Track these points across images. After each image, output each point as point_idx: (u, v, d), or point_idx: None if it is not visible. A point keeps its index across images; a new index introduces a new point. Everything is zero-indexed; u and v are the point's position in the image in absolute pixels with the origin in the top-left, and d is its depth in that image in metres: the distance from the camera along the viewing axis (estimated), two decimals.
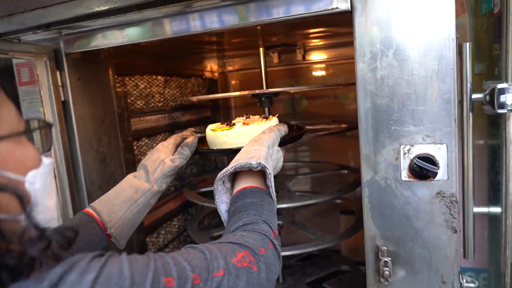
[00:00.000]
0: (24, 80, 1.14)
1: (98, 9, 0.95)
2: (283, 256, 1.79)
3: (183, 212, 1.93)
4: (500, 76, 0.95)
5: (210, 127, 1.17)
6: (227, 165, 0.82)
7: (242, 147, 0.92)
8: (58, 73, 1.10)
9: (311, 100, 2.21)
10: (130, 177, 0.99)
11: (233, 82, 2.35)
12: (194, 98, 1.70)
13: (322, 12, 0.85)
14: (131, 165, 1.41)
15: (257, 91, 1.38)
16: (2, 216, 0.44)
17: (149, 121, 1.65)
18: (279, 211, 1.69)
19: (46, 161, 0.54)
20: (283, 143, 1.00)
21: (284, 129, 1.03)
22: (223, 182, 0.84)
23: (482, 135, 1.70)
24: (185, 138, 1.09)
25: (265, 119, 1.15)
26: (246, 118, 1.21)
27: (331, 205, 2.24)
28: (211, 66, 2.23)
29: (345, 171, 1.86)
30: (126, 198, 0.94)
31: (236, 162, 0.81)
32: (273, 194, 0.81)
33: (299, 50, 2.04)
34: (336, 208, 2.19)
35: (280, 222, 1.62)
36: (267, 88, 1.71)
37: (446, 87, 0.81)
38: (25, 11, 1.04)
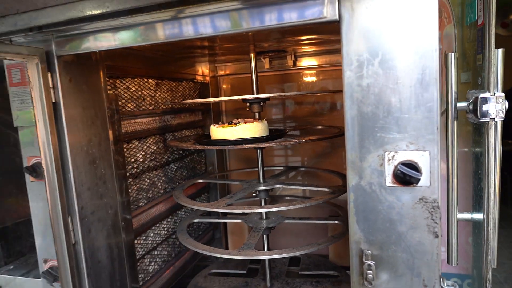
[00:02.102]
0: (15, 81, 1.14)
1: (90, 13, 0.96)
2: (272, 260, 1.81)
3: (172, 215, 1.94)
4: (483, 86, 0.98)
5: (214, 126, 1.51)
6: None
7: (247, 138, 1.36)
8: (49, 74, 1.10)
9: (301, 105, 2.24)
10: None
11: (224, 86, 2.37)
12: (186, 102, 1.71)
13: (311, 21, 0.88)
14: (121, 167, 1.42)
15: (247, 96, 1.40)
16: None
17: (139, 124, 1.65)
18: (268, 215, 1.71)
19: None
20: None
21: None
22: None
23: (467, 143, 1.75)
24: None
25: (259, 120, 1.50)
26: (244, 120, 1.53)
27: (320, 210, 2.27)
28: (203, 70, 2.25)
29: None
30: None
31: None
32: None
33: (289, 56, 2.07)
34: (325, 213, 2.22)
35: (271, 225, 1.64)
36: (257, 93, 1.73)
37: (429, 96, 0.84)
38: (17, 13, 1.05)
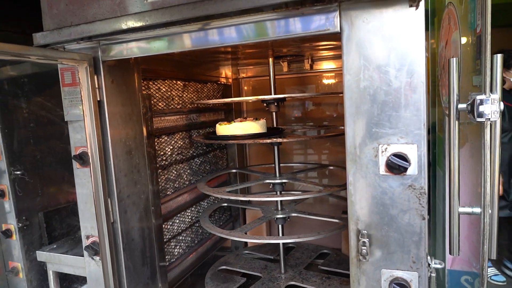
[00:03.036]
0: (67, 82, 1.34)
1: (132, 25, 1.15)
2: (297, 251, 1.97)
3: (196, 205, 2.12)
4: (481, 89, 1.09)
5: (220, 123, 1.73)
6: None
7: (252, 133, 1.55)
8: (95, 77, 1.30)
9: (319, 106, 2.38)
10: None
11: (245, 87, 2.55)
12: (208, 102, 1.89)
13: (316, 33, 1.03)
14: (152, 159, 1.61)
15: (261, 97, 1.57)
16: None
17: (168, 121, 1.85)
18: (282, 206, 1.86)
19: None
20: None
21: None
22: None
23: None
24: None
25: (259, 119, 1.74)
26: (253, 118, 1.75)
27: (334, 206, 2.41)
28: (226, 72, 2.43)
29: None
30: None
31: None
32: None
33: (306, 60, 2.22)
34: (339, 208, 2.35)
35: (287, 215, 1.80)
36: (275, 94, 1.89)
37: (417, 97, 0.97)
38: (72, 25, 1.25)
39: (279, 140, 1.54)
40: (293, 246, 2.32)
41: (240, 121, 1.70)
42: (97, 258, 1.44)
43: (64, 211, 2.16)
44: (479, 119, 1.07)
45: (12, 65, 1.92)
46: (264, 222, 1.76)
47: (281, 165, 1.89)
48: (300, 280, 1.88)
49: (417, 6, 0.93)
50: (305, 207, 2.18)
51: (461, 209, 1.15)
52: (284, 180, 1.78)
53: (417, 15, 0.94)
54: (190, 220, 2.06)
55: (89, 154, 1.31)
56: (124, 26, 1.16)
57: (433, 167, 2.94)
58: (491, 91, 1.06)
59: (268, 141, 1.54)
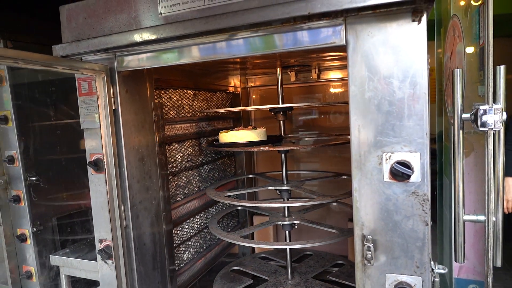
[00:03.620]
0: (84, 91, 1.41)
1: (147, 38, 1.21)
2: (312, 259, 2.00)
3: (205, 211, 2.17)
4: (485, 99, 1.13)
5: (221, 132, 1.82)
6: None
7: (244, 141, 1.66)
8: (111, 86, 1.36)
9: (325, 115, 2.42)
10: None
11: (253, 96, 2.60)
12: (219, 110, 1.94)
13: (323, 46, 1.08)
14: (164, 166, 1.66)
15: (270, 106, 1.62)
16: None
17: (179, 129, 1.90)
18: (290, 213, 1.90)
19: None
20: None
21: None
22: None
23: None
24: None
25: (257, 128, 1.84)
26: (252, 127, 1.87)
27: (340, 214, 2.43)
28: (235, 82, 2.49)
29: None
30: None
31: None
32: None
33: (314, 70, 2.27)
34: (346, 216, 2.38)
35: (293, 222, 1.83)
36: (282, 103, 1.94)
37: (419, 107, 1.01)
38: (89, 38, 1.32)
39: (267, 148, 1.65)
40: (310, 253, 2.34)
41: (238, 130, 1.79)
42: (110, 262, 1.48)
43: (77, 216, 2.22)
44: (482, 129, 1.10)
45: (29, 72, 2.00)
46: (266, 226, 1.80)
47: (289, 172, 1.93)
48: None
49: (419, 21, 0.98)
50: (313, 214, 2.20)
51: (466, 217, 1.18)
52: (288, 188, 1.82)
53: (419, 29, 0.99)
54: (199, 226, 2.10)
55: (105, 160, 1.37)
56: (139, 38, 1.22)
57: (440, 176, 2.96)
58: (494, 101, 1.09)
59: (256, 149, 1.66)
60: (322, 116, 2.43)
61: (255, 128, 1.81)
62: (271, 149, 1.63)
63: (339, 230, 1.71)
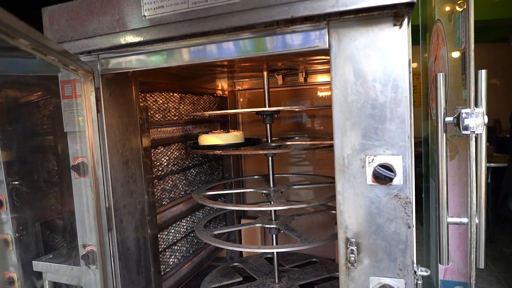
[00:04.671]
0: (67, 94, 1.39)
1: (131, 40, 1.20)
2: (282, 258, 2.00)
3: (191, 215, 2.15)
4: (466, 103, 1.15)
5: (201, 134, 1.87)
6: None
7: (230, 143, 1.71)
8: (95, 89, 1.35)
9: (312, 118, 2.43)
10: None
11: (241, 99, 2.60)
12: (205, 113, 1.94)
13: (306, 49, 1.08)
14: (149, 169, 1.65)
15: (255, 110, 1.62)
16: None
17: (165, 132, 1.89)
18: (277, 217, 1.90)
19: None
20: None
21: None
22: None
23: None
24: None
25: (236, 131, 1.91)
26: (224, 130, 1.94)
27: (328, 217, 2.43)
28: (222, 85, 2.48)
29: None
30: None
31: None
32: None
33: (301, 73, 2.28)
34: (333, 219, 2.38)
35: (277, 226, 1.82)
36: (269, 106, 1.94)
37: (401, 110, 1.02)
38: (72, 40, 1.30)
39: (235, 152, 1.75)
40: (316, 260, 2.28)
41: (211, 133, 1.85)
42: (94, 267, 1.46)
43: (60, 221, 2.19)
44: (464, 132, 1.12)
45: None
46: (251, 226, 1.81)
47: (275, 175, 1.93)
48: None
49: (400, 25, 0.99)
50: (302, 218, 2.20)
51: (450, 219, 1.20)
52: (273, 190, 1.82)
53: (401, 34, 1.00)
54: (185, 230, 2.09)
55: (90, 164, 1.35)
56: (122, 41, 1.21)
57: (426, 178, 3.00)
58: (475, 105, 1.11)
59: (219, 152, 1.74)
60: (309, 119, 2.44)
61: (227, 131, 1.87)
62: (235, 152, 1.69)
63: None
